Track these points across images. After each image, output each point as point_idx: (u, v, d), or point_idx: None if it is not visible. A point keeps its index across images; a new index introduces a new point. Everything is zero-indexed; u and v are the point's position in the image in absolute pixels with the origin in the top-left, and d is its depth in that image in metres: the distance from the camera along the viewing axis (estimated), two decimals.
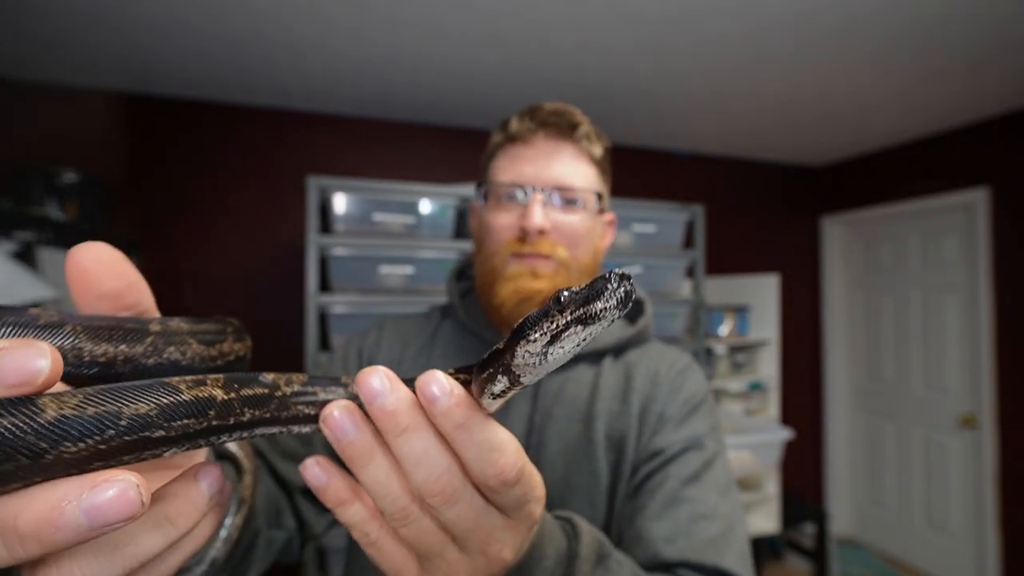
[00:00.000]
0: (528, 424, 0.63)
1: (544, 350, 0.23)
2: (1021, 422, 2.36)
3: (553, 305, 0.22)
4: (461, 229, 1.96)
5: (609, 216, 0.73)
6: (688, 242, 2.30)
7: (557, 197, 0.64)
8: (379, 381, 0.25)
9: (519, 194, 0.65)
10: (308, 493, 0.62)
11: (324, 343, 1.79)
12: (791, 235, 3.27)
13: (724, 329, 2.51)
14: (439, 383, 0.25)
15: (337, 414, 0.26)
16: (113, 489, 0.18)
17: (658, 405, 0.63)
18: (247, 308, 2.25)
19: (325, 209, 1.82)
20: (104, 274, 0.26)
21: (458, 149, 2.58)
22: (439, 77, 2.06)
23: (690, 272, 2.28)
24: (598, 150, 0.68)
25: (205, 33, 1.71)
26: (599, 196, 0.67)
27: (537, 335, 0.23)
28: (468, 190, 1.96)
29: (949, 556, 2.65)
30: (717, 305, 2.56)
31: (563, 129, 0.65)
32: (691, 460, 0.59)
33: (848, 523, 3.20)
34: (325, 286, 1.78)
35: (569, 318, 0.22)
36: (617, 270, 0.21)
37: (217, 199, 2.23)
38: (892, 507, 2.96)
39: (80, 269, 0.26)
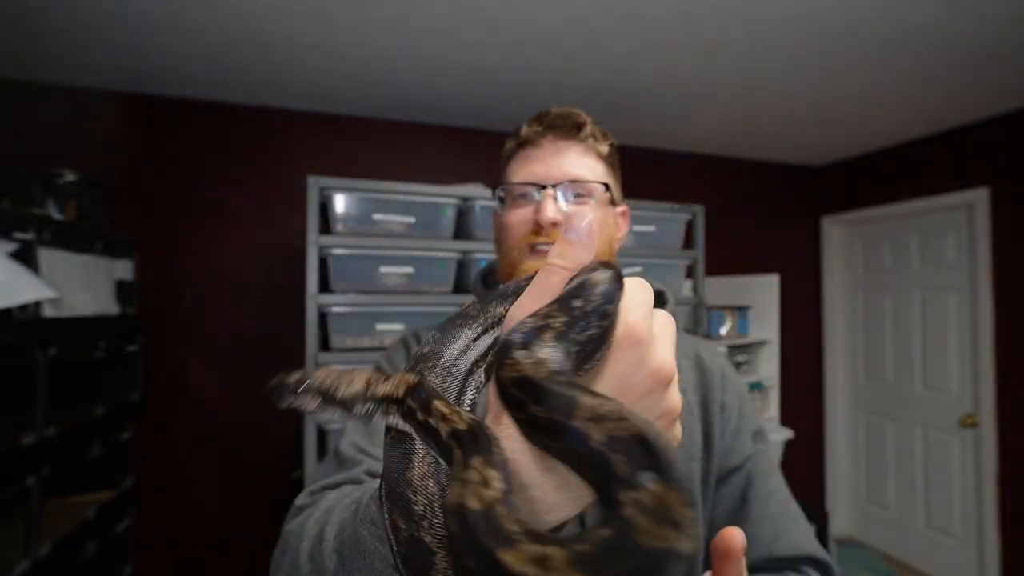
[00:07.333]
0: None
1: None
2: (1021, 422, 2.36)
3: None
4: (461, 229, 1.96)
5: (621, 208, 0.76)
6: (688, 242, 2.30)
7: (568, 191, 0.68)
8: None
9: (532, 192, 0.69)
10: None
11: (324, 343, 1.79)
12: (791, 235, 3.27)
13: (724, 329, 2.51)
14: None
15: None
16: None
17: (716, 394, 0.67)
18: (247, 308, 2.25)
19: (325, 209, 1.82)
20: None
21: (458, 149, 2.57)
22: (439, 77, 2.06)
23: (690, 272, 2.28)
24: (604, 148, 0.72)
25: (205, 33, 1.71)
26: (606, 186, 0.70)
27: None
28: (468, 190, 1.96)
29: (949, 556, 2.65)
30: (717, 305, 2.56)
31: (569, 130, 0.70)
32: (764, 453, 0.66)
33: (848, 523, 3.20)
34: (325, 286, 1.78)
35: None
36: None
37: (217, 199, 2.23)
38: (892, 507, 2.96)
39: None
